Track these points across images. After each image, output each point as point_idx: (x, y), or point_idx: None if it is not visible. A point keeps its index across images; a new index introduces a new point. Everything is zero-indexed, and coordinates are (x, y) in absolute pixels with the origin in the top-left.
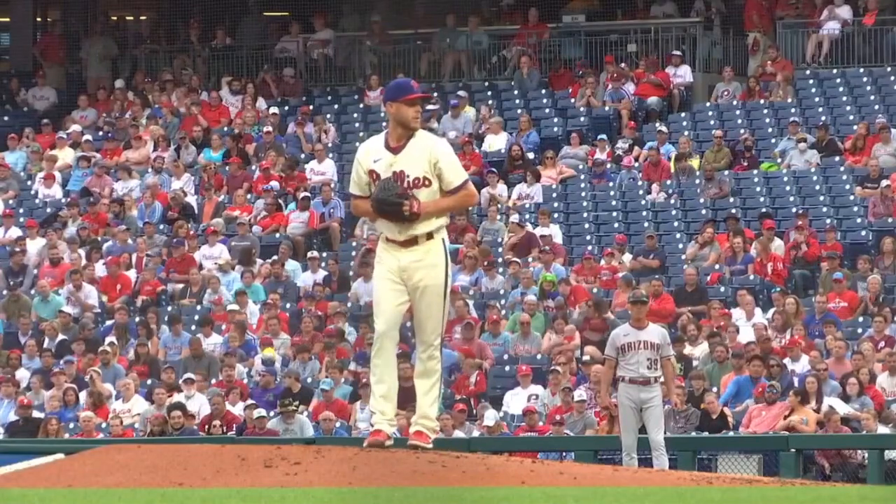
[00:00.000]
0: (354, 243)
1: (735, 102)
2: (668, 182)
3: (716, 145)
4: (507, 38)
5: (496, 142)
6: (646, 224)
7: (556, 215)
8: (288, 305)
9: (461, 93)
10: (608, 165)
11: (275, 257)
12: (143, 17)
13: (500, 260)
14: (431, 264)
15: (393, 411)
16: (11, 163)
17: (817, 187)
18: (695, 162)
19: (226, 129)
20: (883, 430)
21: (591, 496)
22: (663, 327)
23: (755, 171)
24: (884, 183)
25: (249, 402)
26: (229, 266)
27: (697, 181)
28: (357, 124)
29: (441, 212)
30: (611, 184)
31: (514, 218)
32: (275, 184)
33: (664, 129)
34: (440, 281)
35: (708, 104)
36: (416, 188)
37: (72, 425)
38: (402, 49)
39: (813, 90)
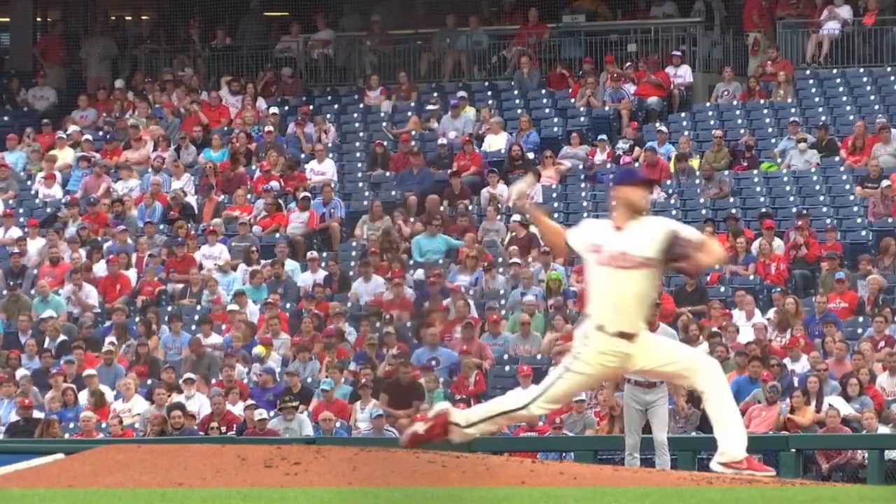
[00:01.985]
0: (354, 243)
1: (735, 102)
2: (668, 182)
3: (716, 145)
4: (507, 38)
5: (496, 142)
6: None
7: (556, 215)
8: (288, 305)
9: (461, 93)
10: (608, 165)
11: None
12: (143, 17)
13: (500, 260)
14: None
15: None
16: (11, 163)
17: (817, 187)
18: (695, 162)
19: (226, 128)
20: (883, 430)
21: (591, 496)
22: (672, 328)
23: (755, 171)
24: (884, 183)
25: (249, 402)
26: (229, 266)
27: (697, 181)
28: (357, 124)
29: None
30: (610, 184)
31: (517, 217)
32: (275, 184)
33: (664, 129)
34: None
35: (708, 104)
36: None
37: (72, 425)
38: (402, 49)
39: (813, 90)
